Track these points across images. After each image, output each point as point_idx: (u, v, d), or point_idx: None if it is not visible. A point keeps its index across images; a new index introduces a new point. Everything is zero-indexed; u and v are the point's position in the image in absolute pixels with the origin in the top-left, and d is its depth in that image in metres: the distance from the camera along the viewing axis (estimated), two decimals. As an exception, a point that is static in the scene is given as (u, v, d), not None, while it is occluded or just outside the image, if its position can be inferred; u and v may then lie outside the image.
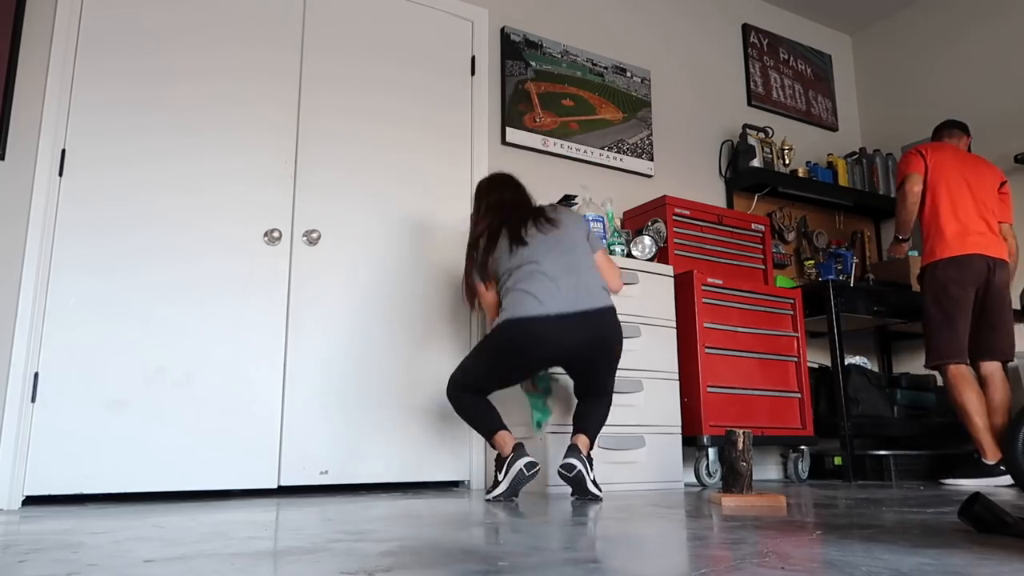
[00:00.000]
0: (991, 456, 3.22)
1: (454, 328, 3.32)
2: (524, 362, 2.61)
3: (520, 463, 2.46)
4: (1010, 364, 3.45)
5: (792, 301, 3.60)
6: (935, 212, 3.43)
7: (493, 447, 2.58)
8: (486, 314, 2.86)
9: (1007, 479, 3.18)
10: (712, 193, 4.28)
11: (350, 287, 3.11)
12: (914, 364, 4.54)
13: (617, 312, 2.62)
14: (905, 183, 3.47)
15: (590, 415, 2.63)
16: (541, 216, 2.69)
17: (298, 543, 1.43)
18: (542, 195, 3.59)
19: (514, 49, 3.74)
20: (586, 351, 2.55)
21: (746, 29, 4.69)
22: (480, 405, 2.61)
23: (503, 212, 2.73)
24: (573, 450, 2.51)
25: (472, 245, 2.75)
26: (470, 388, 2.62)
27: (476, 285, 2.73)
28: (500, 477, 2.50)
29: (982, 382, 3.33)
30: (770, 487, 3.19)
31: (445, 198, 3.42)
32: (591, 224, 2.83)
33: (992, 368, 3.34)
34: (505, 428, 2.58)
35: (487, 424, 2.59)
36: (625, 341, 2.80)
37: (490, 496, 2.50)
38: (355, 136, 3.25)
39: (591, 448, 2.59)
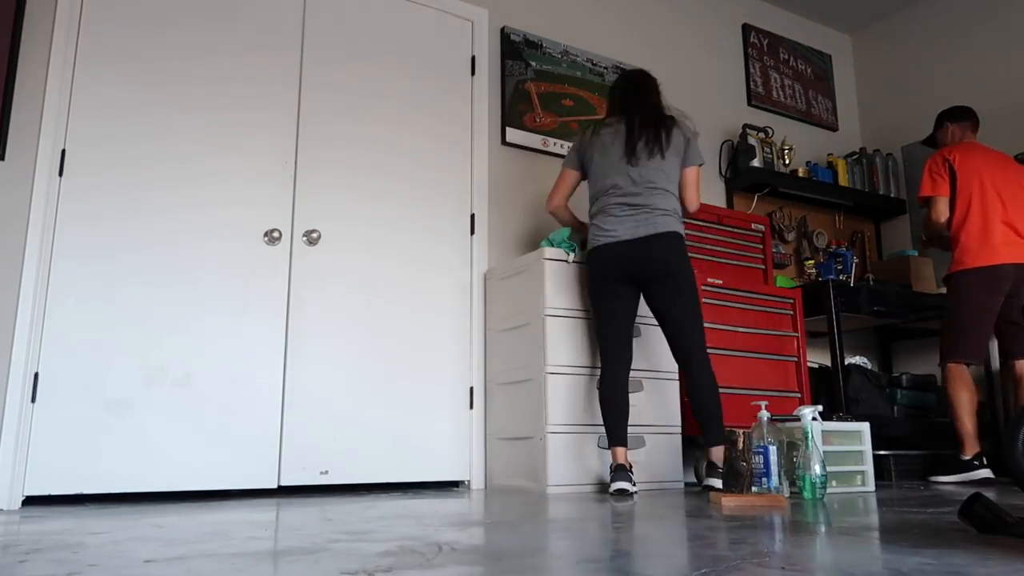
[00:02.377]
0: (968, 451, 3.30)
1: (455, 327, 3.32)
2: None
3: (611, 487, 2.61)
4: None
5: (792, 301, 3.60)
6: (962, 222, 3.40)
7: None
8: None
9: (983, 473, 3.25)
10: (712, 193, 4.28)
11: (350, 287, 3.11)
12: (914, 364, 4.54)
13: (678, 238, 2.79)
14: (931, 208, 3.47)
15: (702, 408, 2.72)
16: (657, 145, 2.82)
17: (298, 543, 1.43)
18: (541, 194, 3.60)
19: (514, 49, 3.74)
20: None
21: (746, 29, 4.69)
22: (609, 405, 2.74)
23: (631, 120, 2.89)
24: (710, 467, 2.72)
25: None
26: (605, 358, 2.78)
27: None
28: (611, 485, 2.62)
29: (1017, 381, 3.36)
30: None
31: (445, 197, 3.42)
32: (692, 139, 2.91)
33: None
34: (621, 444, 2.70)
35: (608, 432, 2.74)
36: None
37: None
38: (355, 136, 3.25)
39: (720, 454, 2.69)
